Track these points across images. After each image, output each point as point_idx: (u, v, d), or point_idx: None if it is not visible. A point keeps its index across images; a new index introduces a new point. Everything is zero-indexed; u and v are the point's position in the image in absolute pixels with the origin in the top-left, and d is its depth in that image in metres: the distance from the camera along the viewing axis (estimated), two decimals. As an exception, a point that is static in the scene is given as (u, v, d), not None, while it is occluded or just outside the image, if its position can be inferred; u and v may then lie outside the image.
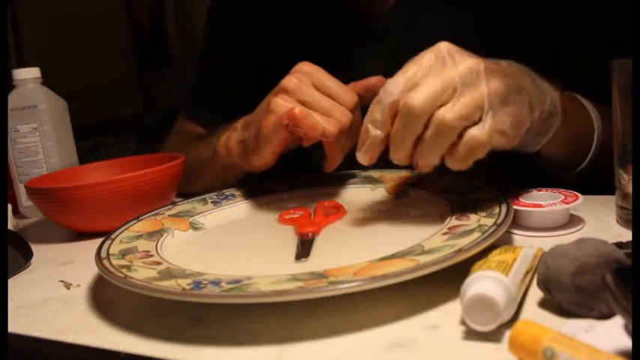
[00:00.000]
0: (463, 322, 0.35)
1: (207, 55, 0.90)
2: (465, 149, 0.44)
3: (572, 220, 0.52)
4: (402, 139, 0.46)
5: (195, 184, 0.72)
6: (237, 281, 0.39)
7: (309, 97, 0.55)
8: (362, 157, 0.49)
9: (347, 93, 0.57)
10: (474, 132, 0.44)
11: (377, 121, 0.47)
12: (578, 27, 0.65)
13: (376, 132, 0.47)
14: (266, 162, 0.59)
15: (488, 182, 0.53)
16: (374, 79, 0.61)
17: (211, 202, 0.62)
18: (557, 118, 0.52)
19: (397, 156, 0.47)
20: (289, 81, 0.56)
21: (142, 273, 0.42)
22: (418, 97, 0.44)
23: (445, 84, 0.44)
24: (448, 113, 0.43)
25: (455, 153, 0.45)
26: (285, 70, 0.58)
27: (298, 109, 0.53)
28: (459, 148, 0.44)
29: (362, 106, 0.57)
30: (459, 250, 0.39)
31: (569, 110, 0.56)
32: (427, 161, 0.46)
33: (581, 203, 0.51)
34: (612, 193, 0.52)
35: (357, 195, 0.61)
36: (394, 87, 0.46)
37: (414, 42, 0.50)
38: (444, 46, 0.46)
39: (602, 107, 0.56)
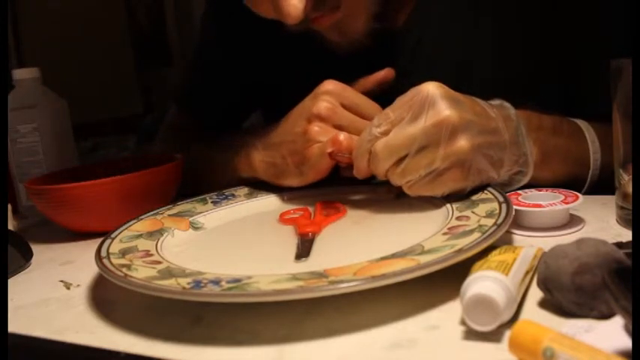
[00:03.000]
0: (463, 322, 0.35)
1: (203, 52, 0.88)
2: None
3: (572, 220, 0.52)
4: (366, 174, 0.53)
5: (199, 186, 0.72)
6: (238, 280, 0.39)
7: (343, 121, 0.57)
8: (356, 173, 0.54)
9: (373, 107, 0.58)
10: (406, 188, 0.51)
11: (360, 150, 0.52)
12: (586, 32, 0.65)
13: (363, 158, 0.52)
14: (306, 183, 0.60)
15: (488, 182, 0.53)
16: (382, 73, 0.62)
17: (211, 202, 0.62)
18: (525, 175, 0.53)
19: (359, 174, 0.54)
20: (321, 107, 0.57)
21: (142, 272, 0.42)
22: (383, 150, 0.49)
23: (407, 142, 0.48)
24: (397, 173, 0.49)
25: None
26: (293, 81, 0.58)
27: (342, 137, 0.55)
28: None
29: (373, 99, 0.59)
30: (459, 250, 0.39)
31: (560, 156, 0.58)
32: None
33: (581, 203, 0.51)
34: (612, 193, 0.52)
35: (357, 195, 0.61)
36: (374, 129, 0.50)
37: (424, 61, 0.50)
38: (428, 89, 0.48)
39: (608, 134, 0.54)
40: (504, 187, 0.53)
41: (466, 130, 0.47)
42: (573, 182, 0.59)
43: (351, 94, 0.58)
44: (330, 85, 0.58)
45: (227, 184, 0.67)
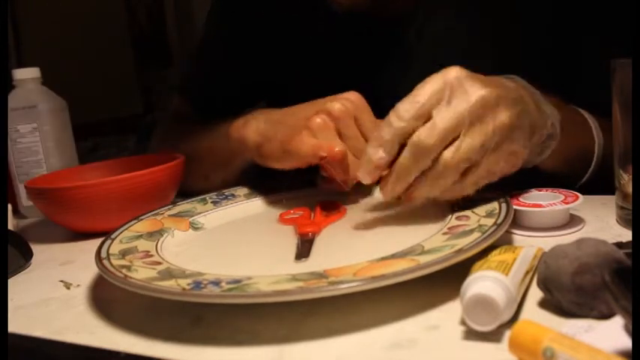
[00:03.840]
0: (463, 322, 0.35)
1: (209, 41, 0.87)
2: (460, 190, 0.47)
3: (573, 220, 0.52)
4: (408, 172, 0.46)
5: (195, 172, 0.72)
6: (237, 281, 0.39)
7: (347, 131, 0.55)
8: (365, 177, 0.49)
9: None
10: (468, 180, 0.46)
11: (386, 143, 0.47)
12: (585, 34, 0.65)
13: (382, 154, 0.47)
14: (283, 167, 0.59)
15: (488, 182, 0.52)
16: None
17: (211, 202, 0.62)
18: (555, 139, 0.52)
19: (397, 187, 0.48)
20: (335, 106, 0.55)
21: (141, 273, 0.42)
22: (431, 135, 0.45)
23: (456, 122, 0.44)
24: (453, 157, 0.45)
25: (452, 190, 0.47)
26: (298, 74, 0.56)
27: (339, 148, 0.53)
28: (456, 188, 0.47)
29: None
30: (459, 250, 0.39)
31: (570, 126, 0.56)
32: (425, 195, 0.47)
33: (581, 203, 0.50)
34: (612, 193, 0.52)
35: (357, 195, 0.61)
36: (404, 112, 0.46)
37: (428, 47, 0.49)
38: (454, 73, 0.46)
39: (607, 123, 0.54)
40: (537, 158, 0.52)
41: (502, 104, 0.46)
42: (584, 158, 0.59)
43: (368, 116, 0.56)
44: (355, 95, 0.57)
45: (217, 163, 0.66)
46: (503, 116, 0.46)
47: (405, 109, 0.46)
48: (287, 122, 0.59)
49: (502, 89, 0.47)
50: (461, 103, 0.45)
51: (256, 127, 0.62)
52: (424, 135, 0.45)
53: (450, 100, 0.45)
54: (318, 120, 0.55)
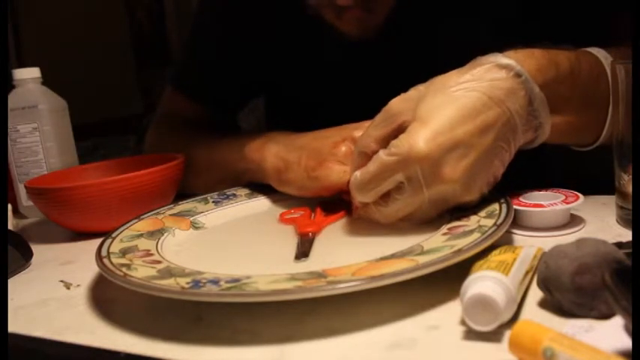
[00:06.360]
0: (463, 322, 0.35)
1: (205, 26, 0.83)
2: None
3: (573, 220, 0.52)
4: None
5: (200, 180, 0.71)
6: (236, 280, 0.39)
7: None
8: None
9: None
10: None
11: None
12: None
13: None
14: (303, 196, 0.58)
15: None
16: None
17: (212, 202, 0.62)
18: (541, 137, 0.50)
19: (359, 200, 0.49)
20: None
21: (141, 271, 0.42)
22: (425, 148, 0.44)
23: (456, 142, 0.44)
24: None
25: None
26: (293, 71, 0.56)
27: None
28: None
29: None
30: (459, 251, 0.39)
31: (578, 98, 0.52)
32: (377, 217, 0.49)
33: (581, 203, 0.50)
34: (612, 193, 0.52)
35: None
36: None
37: (431, 60, 0.49)
38: (395, 109, 0.47)
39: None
40: (527, 146, 0.51)
41: (447, 157, 0.44)
42: (591, 124, 0.55)
43: None
44: None
45: (231, 167, 0.65)
46: (489, 138, 0.45)
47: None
48: (310, 147, 0.58)
49: (457, 130, 0.45)
50: (469, 123, 0.44)
51: (276, 151, 0.61)
52: (419, 147, 0.44)
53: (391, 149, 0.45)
54: (343, 148, 0.55)
